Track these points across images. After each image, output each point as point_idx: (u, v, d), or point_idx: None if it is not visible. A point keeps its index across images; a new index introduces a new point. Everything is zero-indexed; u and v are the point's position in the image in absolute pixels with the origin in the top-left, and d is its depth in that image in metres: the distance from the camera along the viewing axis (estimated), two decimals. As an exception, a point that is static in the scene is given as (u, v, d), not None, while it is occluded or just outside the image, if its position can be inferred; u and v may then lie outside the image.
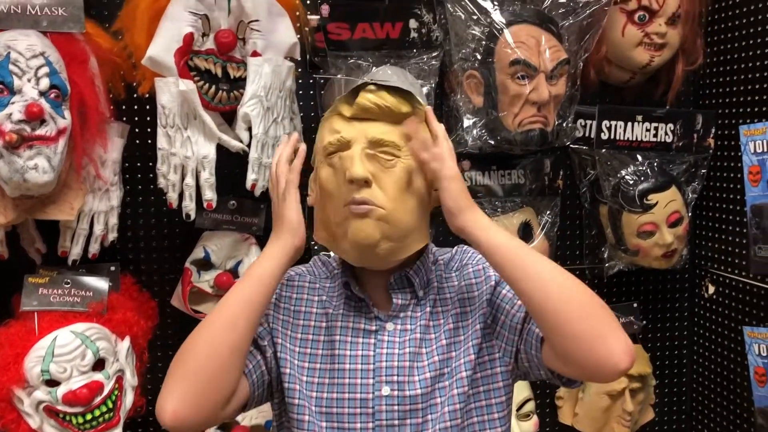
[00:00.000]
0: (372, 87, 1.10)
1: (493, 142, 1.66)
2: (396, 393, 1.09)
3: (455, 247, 1.24)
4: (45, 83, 1.31)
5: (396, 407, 1.09)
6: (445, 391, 1.11)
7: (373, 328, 1.13)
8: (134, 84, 1.55)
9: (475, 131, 1.67)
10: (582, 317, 0.97)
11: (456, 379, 1.11)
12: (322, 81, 1.72)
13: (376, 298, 1.16)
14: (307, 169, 1.16)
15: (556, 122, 1.67)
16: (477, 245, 1.07)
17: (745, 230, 1.76)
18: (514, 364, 1.13)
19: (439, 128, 1.12)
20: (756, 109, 1.70)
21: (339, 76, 1.49)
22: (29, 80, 1.30)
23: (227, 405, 1.03)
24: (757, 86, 1.70)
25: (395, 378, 1.10)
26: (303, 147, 1.18)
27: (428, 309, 1.15)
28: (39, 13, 1.36)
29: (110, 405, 1.40)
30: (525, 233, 1.78)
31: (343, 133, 1.09)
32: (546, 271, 1.02)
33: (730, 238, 1.84)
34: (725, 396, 1.90)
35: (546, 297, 0.99)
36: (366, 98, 1.09)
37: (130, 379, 1.47)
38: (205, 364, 1.00)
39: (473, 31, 1.63)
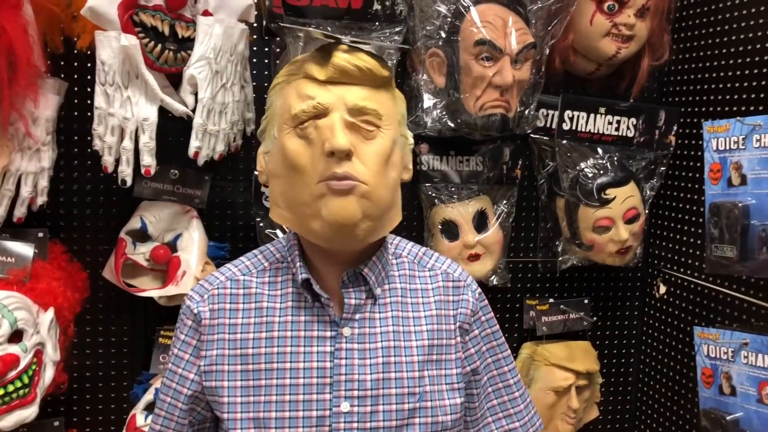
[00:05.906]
0: (345, 47, 0.99)
1: (453, 125, 1.60)
2: (356, 409, 0.99)
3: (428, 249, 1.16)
4: (-33, 26, 1.20)
5: (356, 425, 0.99)
6: (415, 418, 1.03)
7: (329, 334, 1.02)
8: (73, 38, 1.44)
9: (435, 112, 1.62)
10: None
11: (440, 421, 1.04)
12: (278, 50, 1.63)
13: (331, 299, 1.04)
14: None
15: (519, 109, 1.63)
16: None
17: (700, 231, 1.74)
18: None
19: None
20: (719, 109, 1.68)
21: (307, 29, 1.34)
22: (-52, 21, 1.19)
23: None
24: (720, 85, 1.68)
25: (356, 393, 1.00)
26: None
27: (392, 313, 1.05)
28: (-33, -49, 1.25)
29: (26, 380, 1.29)
30: (480, 222, 1.73)
31: (319, 99, 0.96)
32: None
33: (684, 238, 1.82)
34: (670, 397, 1.89)
35: None
36: (343, 58, 0.96)
37: (51, 354, 1.36)
38: None
39: (439, 8, 1.57)
